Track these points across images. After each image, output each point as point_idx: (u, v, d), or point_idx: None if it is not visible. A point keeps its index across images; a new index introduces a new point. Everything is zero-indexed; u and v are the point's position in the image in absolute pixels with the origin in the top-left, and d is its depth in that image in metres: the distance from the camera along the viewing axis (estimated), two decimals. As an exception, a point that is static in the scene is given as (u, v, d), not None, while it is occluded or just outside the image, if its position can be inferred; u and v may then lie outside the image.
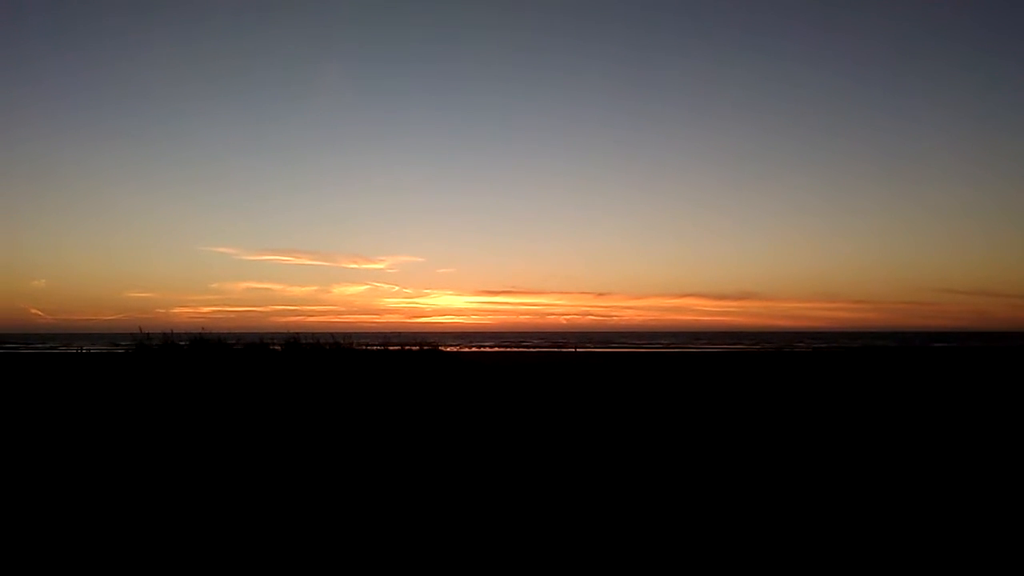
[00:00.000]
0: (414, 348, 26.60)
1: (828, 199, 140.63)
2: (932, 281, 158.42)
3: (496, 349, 66.76)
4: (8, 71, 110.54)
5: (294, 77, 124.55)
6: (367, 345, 26.84)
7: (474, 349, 62.01)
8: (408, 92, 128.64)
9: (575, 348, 67.51)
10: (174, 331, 28.01)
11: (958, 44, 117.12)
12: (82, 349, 63.02)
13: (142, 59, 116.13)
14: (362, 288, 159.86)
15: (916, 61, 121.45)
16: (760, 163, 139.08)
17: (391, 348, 26.60)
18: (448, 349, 33.36)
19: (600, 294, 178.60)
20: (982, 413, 15.54)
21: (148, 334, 27.55)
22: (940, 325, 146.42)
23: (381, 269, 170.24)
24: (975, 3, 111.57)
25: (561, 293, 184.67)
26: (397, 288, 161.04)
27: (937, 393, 20.01)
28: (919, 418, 14.51)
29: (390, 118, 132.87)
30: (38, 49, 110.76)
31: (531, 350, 63.90)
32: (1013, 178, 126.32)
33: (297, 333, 28.30)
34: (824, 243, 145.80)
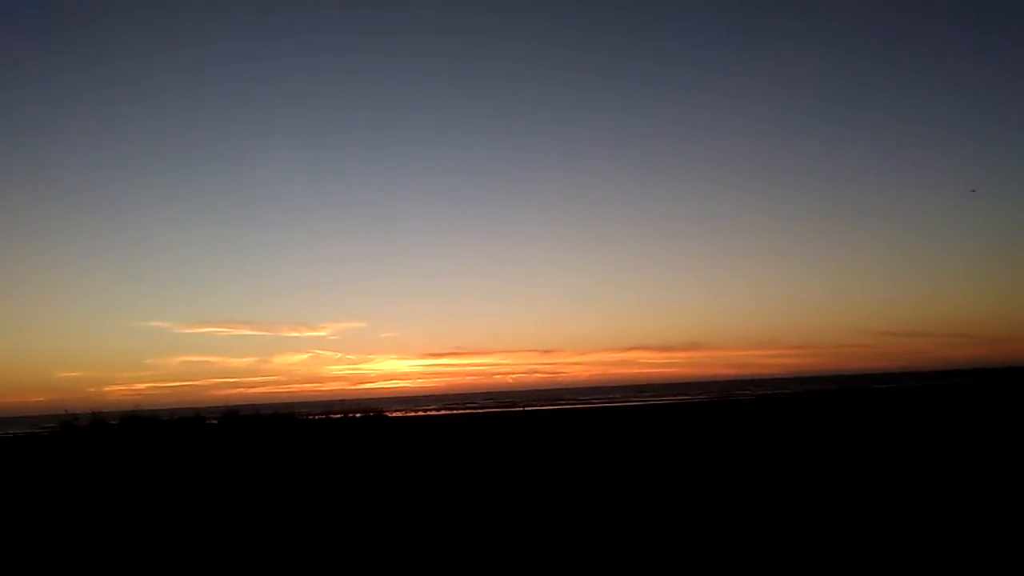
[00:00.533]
0: (357, 415, 25.72)
1: (766, 248, 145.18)
2: (870, 324, 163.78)
3: (443, 412, 65.62)
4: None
5: (230, 148, 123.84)
6: (309, 414, 25.84)
7: (420, 413, 60.79)
8: (345, 160, 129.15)
9: (523, 407, 66.78)
10: (104, 410, 26.48)
11: (890, 95, 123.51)
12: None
13: (71, 128, 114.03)
14: (304, 356, 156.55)
15: (846, 111, 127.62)
16: (699, 216, 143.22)
17: (333, 416, 25.68)
18: (393, 414, 32.47)
19: (546, 351, 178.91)
20: (923, 450, 15.63)
21: (75, 414, 25.98)
22: (879, 367, 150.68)
23: (323, 336, 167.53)
24: (907, 54, 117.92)
25: (507, 352, 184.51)
26: (340, 355, 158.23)
27: (876, 433, 20.16)
28: (859, 457, 14.48)
29: (329, 183, 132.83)
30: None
31: (478, 411, 62.95)
32: (945, 224, 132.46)
33: (237, 406, 27.12)
34: (764, 291, 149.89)
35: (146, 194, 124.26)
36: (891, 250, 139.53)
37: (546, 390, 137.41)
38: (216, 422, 24.35)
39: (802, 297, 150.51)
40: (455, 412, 63.81)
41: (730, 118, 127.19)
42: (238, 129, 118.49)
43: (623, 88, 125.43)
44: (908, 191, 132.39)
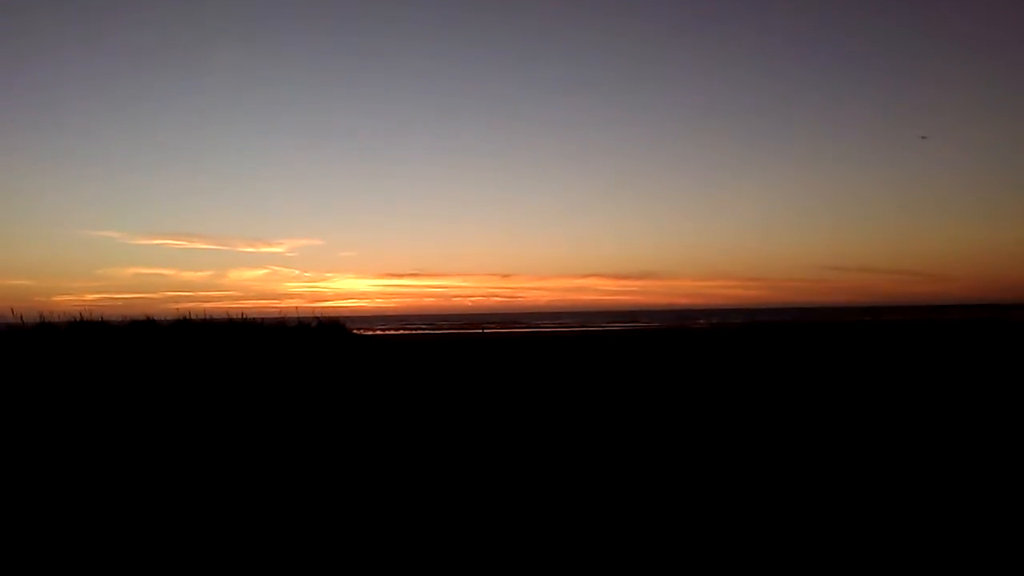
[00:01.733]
0: (312, 323, 25.78)
1: (721, 180, 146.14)
2: (821, 260, 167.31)
3: (402, 332, 65.93)
4: None
5: (187, 50, 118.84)
6: (263, 320, 25.82)
7: (379, 332, 61.02)
8: (307, 68, 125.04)
9: (483, 330, 67.42)
10: (53, 319, 26.08)
11: (842, 34, 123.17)
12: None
13: (20, 28, 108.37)
14: (261, 272, 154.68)
15: (802, 44, 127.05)
16: (655, 145, 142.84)
17: (288, 322, 25.70)
18: (353, 331, 32.55)
19: (504, 275, 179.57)
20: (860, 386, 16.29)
21: (22, 318, 25.59)
22: (828, 301, 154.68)
23: (280, 253, 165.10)
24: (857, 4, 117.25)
25: (466, 275, 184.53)
26: (297, 272, 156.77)
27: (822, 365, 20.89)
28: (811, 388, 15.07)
29: (288, 95, 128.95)
30: None
31: (438, 332, 63.39)
32: (896, 161, 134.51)
33: (190, 318, 26.91)
34: (718, 223, 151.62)
35: (100, 98, 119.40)
36: (842, 187, 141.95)
37: (505, 313, 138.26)
38: (166, 325, 24.22)
39: (756, 231, 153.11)
40: (415, 332, 64.18)
41: (692, 44, 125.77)
42: (198, 30, 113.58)
43: (593, 17, 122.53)
44: (861, 131, 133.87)
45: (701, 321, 79.89)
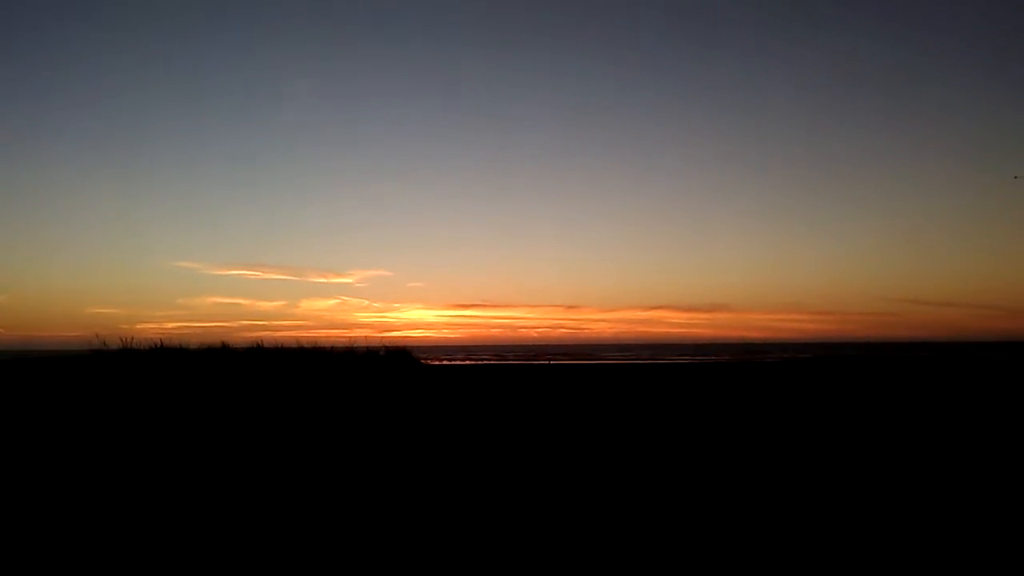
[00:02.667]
0: (381, 351, 26.16)
1: (796, 210, 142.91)
2: (897, 292, 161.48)
3: (469, 362, 66.24)
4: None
5: (263, 88, 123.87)
6: (333, 348, 26.34)
7: (444, 362, 61.46)
8: (378, 106, 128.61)
9: (549, 360, 67.21)
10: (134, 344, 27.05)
11: (921, 60, 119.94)
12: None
13: (106, 67, 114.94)
14: (331, 302, 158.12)
15: (887, 72, 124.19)
16: (729, 175, 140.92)
17: (357, 350, 26.14)
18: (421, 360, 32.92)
19: (570, 307, 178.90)
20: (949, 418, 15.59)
21: (105, 343, 26.68)
22: (905, 336, 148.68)
23: (350, 283, 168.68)
24: (933, 17, 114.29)
25: (531, 306, 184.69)
26: (366, 302, 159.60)
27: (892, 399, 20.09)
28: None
29: (360, 131, 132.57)
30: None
31: (504, 362, 63.48)
32: (979, 194, 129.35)
33: (263, 345, 27.65)
34: (792, 254, 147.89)
35: (181, 135, 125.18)
36: (922, 219, 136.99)
37: (570, 345, 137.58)
38: (241, 351, 24.93)
39: (829, 263, 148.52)
40: (480, 362, 64.43)
41: (765, 80, 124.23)
42: (275, 66, 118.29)
43: (661, 40, 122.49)
44: (945, 163, 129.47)
45: (772, 355, 77.82)
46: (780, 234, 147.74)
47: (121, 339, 26.78)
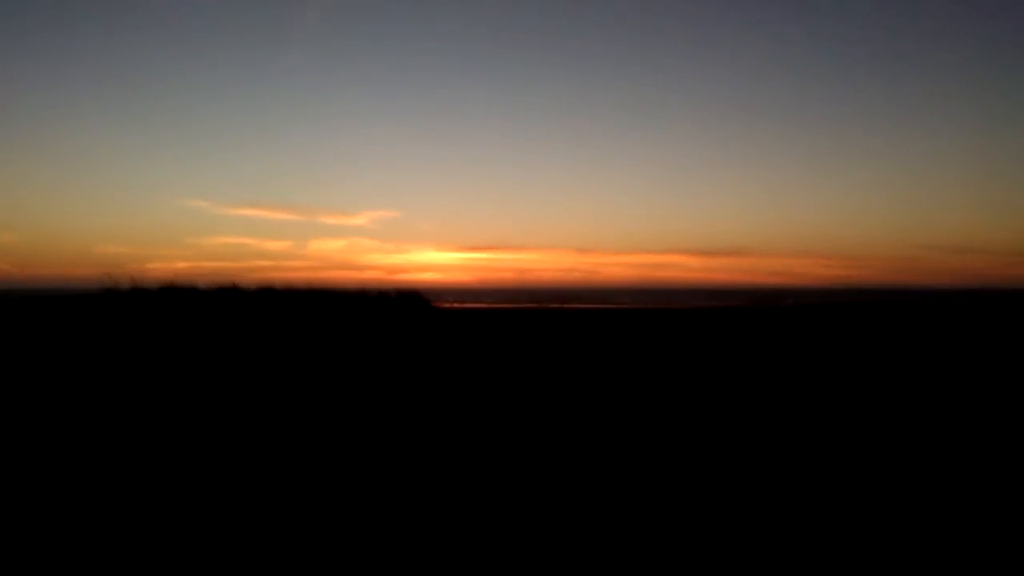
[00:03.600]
0: (391, 293, 25.82)
1: (814, 153, 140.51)
2: (917, 237, 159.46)
3: (478, 305, 65.96)
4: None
5: (272, 23, 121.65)
6: (344, 290, 25.99)
7: (455, 305, 61.20)
8: (388, 42, 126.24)
9: (561, 306, 66.83)
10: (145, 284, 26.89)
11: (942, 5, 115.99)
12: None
13: (113, 2, 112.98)
14: (341, 243, 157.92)
15: (900, 18, 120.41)
16: (747, 115, 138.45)
17: (369, 292, 25.81)
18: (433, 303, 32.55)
19: (583, 250, 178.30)
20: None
21: (116, 283, 26.52)
22: (924, 282, 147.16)
23: (360, 224, 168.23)
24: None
25: (544, 249, 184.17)
26: (377, 243, 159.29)
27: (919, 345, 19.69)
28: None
29: (371, 69, 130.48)
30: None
31: (514, 307, 63.21)
32: (1002, 134, 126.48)
33: (273, 286, 27.36)
34: (809, 198, 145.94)
35: (189, 71, 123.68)
36: (942, 164, 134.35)
37: (582, 289, 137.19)
38: (251, 291, 24.64)
39: (847, 207, 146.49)
40: (492, 306, 64.14)
41: (785, 22, 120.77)
42: (282, 6, 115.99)
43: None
44: (967, 94, 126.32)
45: (788, 301, 77.10)
46: (797, 177, 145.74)
47: (131, 278, 26.59)
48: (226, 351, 14.76)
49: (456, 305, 60.99)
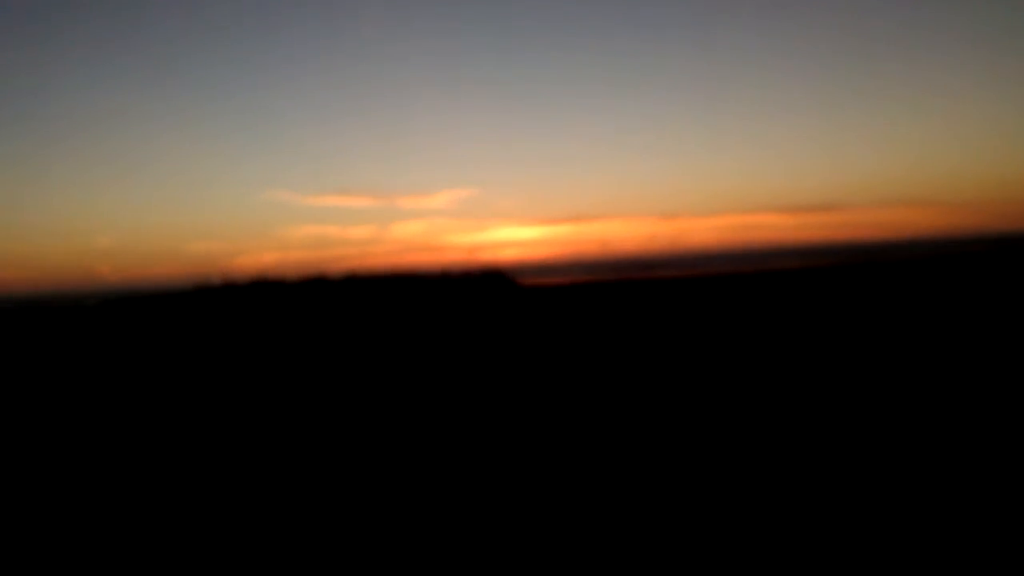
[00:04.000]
0: (474, 274, 25.58)
1: (900, 89, 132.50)
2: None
3: (564, 280, 65.44)
4: (51, 18, 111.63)
5: (347, 10, 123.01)
6: (427, 275, 25.94)
7: (539, 281, 60.84)
8: (459, 20, 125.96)
9: (647, 275, 65.56)
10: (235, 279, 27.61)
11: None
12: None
13: (190, 4, 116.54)
14: (421, 225, 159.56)
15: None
16: (831, 59, 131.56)
17: (452, 274, 25.65)
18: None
19: (667, 216, 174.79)
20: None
21: (208, 280, 27.31)
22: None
23: (439, 205, 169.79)
24: None
25: (627, 217, 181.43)
26: (457, 222, 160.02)
27: None
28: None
29: (443, 48, 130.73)
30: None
31: (601, 279, 62.37)
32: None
33: (357, 274, 27.59)
34: (899, 142, 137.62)
35: (264, 66, 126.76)
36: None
37: (669, 257, 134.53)
38: (337, 280, 24.86)
39: (942, 148, 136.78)
40: (578, 280, 63.51)
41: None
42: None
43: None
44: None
45: (887, 255, 73.36)
46: (883, 119, 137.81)
47: (222, 274, 27.29)
48: (315, 342, 14.77)
49: (540, 282, 60.77)
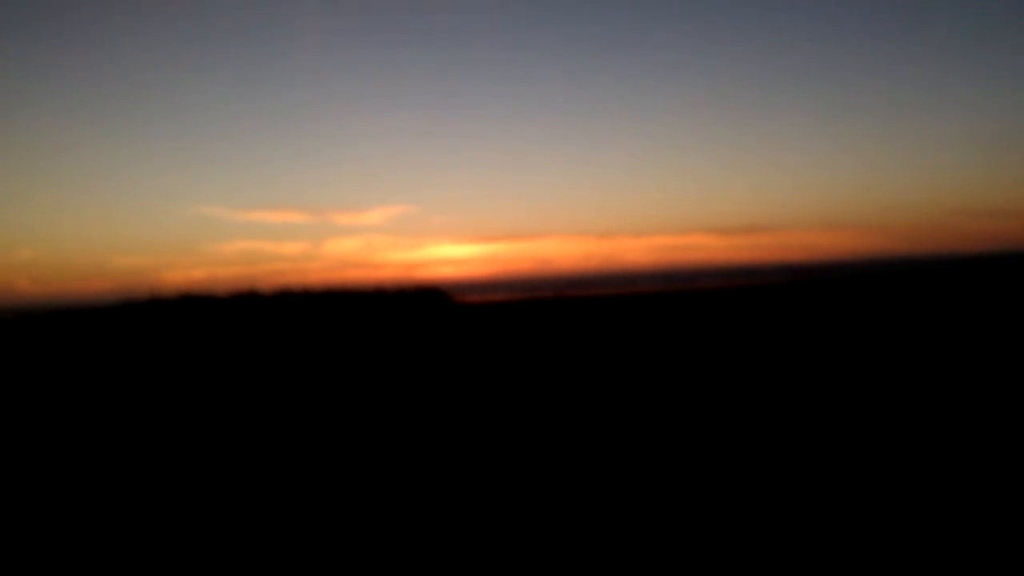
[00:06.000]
0: (410, 290, 25.44)
1: (830, 120, 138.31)
2: (944, 203, 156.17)
3: (498, 298, 65.59)
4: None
5: (276, 22, 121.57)
6: (361, 290, 25.65)
7: (475, 299, 60.83)
8: (396, 35, 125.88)
9: (569, 294, 66.14)
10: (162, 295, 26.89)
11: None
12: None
13: (118, 7, 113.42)
14: (356, 242, 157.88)
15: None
16: (760, 88, 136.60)
17: (387, 291, 25.45)
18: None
19: (602, 236, 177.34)
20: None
21: (135, 295, 26.49)
22: (956, 249, 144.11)
23: (374, 221, 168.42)
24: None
25: (562, 236, 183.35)
26: (392, 239, 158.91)
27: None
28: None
29: (377, 64, 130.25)
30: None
31: (535, 297, 62.70)
32: None
33: (290, 290, 27.13)
34: (829, 166, 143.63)
35: (192, 78, 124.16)
36: (966, 124, 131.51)
37: (603, 276, 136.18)
38: (267, 296, 24.38)
39: (870, 174, 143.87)
40: (512, 298, 63.70)
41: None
42: (287, 5, 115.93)
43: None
44: (996, 66, 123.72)
45: (815, 275, 75.83)
46: (815, 145, 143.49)
47: (149, 289, 26.46)
48: (244, 358, 14.45)
49: (476, 299, 60.71)
